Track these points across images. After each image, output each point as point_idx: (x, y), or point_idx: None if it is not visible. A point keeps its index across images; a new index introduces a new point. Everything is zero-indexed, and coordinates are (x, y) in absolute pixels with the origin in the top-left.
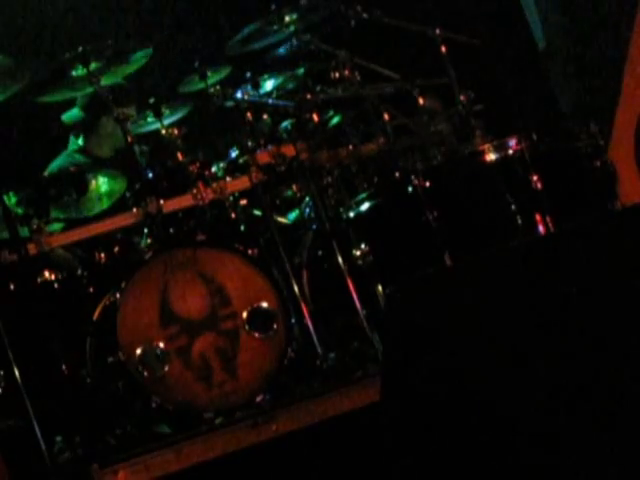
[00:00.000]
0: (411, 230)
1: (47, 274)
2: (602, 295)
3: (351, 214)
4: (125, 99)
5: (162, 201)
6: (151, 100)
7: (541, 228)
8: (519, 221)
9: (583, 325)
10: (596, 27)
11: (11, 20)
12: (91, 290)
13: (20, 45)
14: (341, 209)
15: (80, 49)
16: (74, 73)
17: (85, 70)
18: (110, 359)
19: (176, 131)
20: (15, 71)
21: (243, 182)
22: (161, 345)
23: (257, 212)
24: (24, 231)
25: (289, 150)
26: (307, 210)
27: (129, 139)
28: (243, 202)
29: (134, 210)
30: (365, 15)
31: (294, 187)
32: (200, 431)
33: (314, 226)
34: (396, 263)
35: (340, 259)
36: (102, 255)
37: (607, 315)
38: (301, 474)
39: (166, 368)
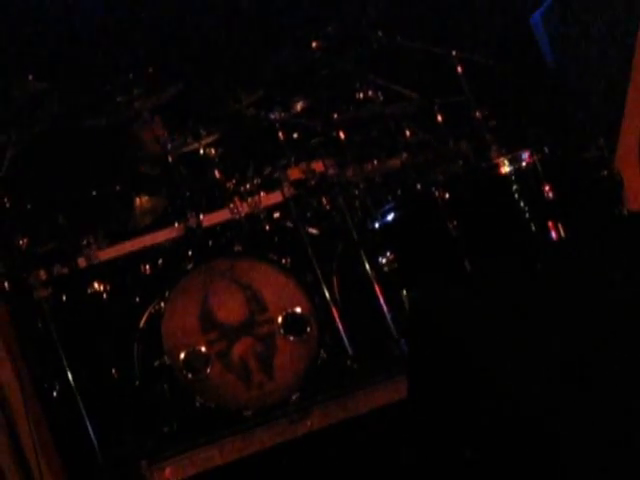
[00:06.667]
0: (433, 238)
1: (96, 285)
2: (611, 296)
3: (377, 224)
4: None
5: (202, 216)
6: (190, 123)
7: (553, 234)
8: (533, 228)
9: (597, 324)
10: (601, 44)
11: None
12: (137, 300)
13: (56, 70)
14: (367, 220)
15: (123, 77)
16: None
17: (127, 96)
18: (156, 363)
19: (213, 150)
20: (52, 95)
21: (276, 196)
22: (203, 349)
23: (289, 224)
24: (75, 245)
25: (318, 166)
26: (336, 221)
27: (170, 158)
28: (276, 215)
29: (176, 225)
30: (386, 40)
31: (323, 200)
32: (240, 428)
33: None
34: (419, 269)
35: (367, 266)
36: (147, 267)
37: (618, 316)
38: (334, 467)
39: (208, 370)
